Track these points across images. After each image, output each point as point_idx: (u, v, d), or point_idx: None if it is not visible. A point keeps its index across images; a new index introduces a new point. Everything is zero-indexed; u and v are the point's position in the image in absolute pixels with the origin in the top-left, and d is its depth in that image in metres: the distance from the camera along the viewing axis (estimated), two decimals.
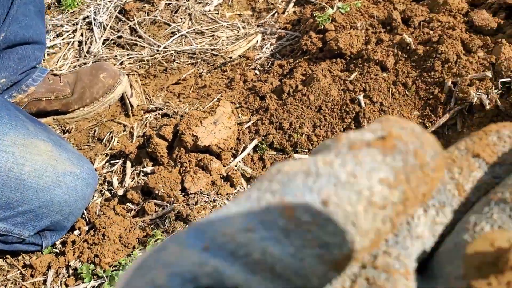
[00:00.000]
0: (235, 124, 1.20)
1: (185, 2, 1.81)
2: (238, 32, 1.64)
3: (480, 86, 1.16)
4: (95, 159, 1.30)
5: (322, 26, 1.39)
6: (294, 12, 1.68)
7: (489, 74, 1.15)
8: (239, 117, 1.26)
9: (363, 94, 1.22)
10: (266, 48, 1.54)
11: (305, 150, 1.20)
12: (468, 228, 0.36)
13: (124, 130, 1.36)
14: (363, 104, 1.20)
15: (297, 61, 1.38)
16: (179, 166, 1.14)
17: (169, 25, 1.72)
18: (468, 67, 1.17)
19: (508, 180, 0.39)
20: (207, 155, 1.15)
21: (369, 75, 1.23)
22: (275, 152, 1.21)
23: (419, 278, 0.34)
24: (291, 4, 1.70)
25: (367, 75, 1.24)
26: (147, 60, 1.58)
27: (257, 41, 1.58)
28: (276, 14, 1.68)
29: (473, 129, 1.16)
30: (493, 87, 1.14)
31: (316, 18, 1.41)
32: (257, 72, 1.45)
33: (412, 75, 1.22)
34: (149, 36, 1.69)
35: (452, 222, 0.38)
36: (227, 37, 1.63)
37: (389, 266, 0.31)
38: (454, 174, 0.40)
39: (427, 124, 1.21)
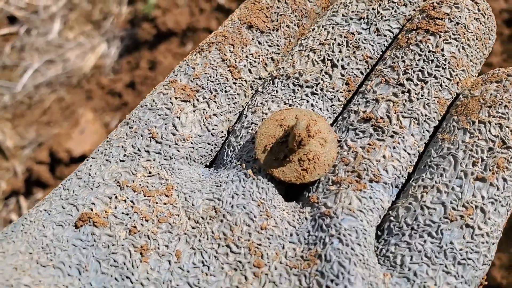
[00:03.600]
0: (101, 127, 1.31)
1: (28, 39, 1.86)
2: (85, 47, 1.73)
3: None
4: None
5: (150, 15, 1.52)
6: (130, 11, 1.80)
7: None
8: (104, 120, 1.38)
9: None
10: (113, 52, 1.65)
11: None
12: (255, 110, 0.36)
13: (8, 172, 1.42)
14: None
15: (140, 53, 1.51)
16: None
17: (20, 65, 1.77)
18: None
19: (289, 56, 0.38)
20: None
21: (201, 42, 1.39)
22: None
23: (211, 172, 0.34)
24: (124, 6, 1.81)
25: (199, 43, 1.39)
26: (11, 104, 1.64)
27: (103, 49, 1.68)
28: (114, 19, 1.79)
29: None
30: None
31: (143, 10, 1.55)
32: (110, 76, 1.56)
33: None
34: (4, 80, 1.74)
35: (234, 109, 0.37)
36: (76, 56, 1.72)
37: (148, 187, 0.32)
38: (226, 53, 0.37)
39: None
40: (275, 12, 0.38)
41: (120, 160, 0.32)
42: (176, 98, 0.35)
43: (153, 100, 0.35)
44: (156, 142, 0.33)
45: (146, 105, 0.35)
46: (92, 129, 1.30)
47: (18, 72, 1.75)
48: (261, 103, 0.36)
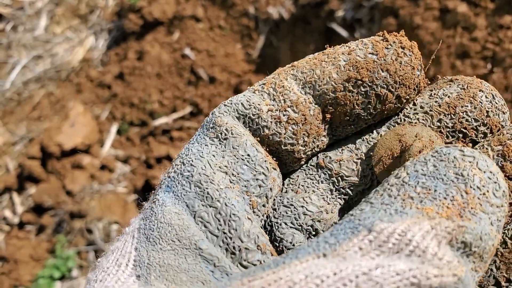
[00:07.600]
0: (92, 119, 1.31)
1: (15, 36, 1.85)
2: (73, 41, 1.72)
3: (276, 2, 1.35)
4: None
5: (136, 6, 1.51)
6: (116, 3, 1.78)
7: None
8: (94, 112, 1.38)
9: (190, 47, 1.37)
10: (101, 44, 1.64)
11: (162, 115, 1.34)
12: (297, 191, 0.38)
13: (0, 169, 1.42)
14: (192, 56, 1.35)
15: (128, 44, 1.50)
16: (56, 174, 1.24)
17: (7, 62, 1.76)
18: None
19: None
20: (78, 154, 1.25)
21: (188, 30, 1.38)
22: (138, 128, 1.34)
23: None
24: None
25: (186, 31, 1.39)
26: (0, 102, 1.63)
27: (91, 42, 1.67)
28: (101, 12, 1.78)
29: (283, 40, 1.36)
30: None
31: (129, 0, 1.54)
32: (99, 68, 1.55)
33: (222, 16, 1.39)
34: None
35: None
36: (64, 50, 1.71)
37: None
38: (298, 140, 0.37)
39: (250, 51, 1.39)
40: (358, 106, 0.36)
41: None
42: (270, 163, 0.36)
43: (248, 155, 0.35)
44: (253, 211, 0.34)
45: (242, 158, 0.35)
46: (82, 122, 1.30)
47: (6, 69, 1.74)
48: (302, 185, 0.38)
